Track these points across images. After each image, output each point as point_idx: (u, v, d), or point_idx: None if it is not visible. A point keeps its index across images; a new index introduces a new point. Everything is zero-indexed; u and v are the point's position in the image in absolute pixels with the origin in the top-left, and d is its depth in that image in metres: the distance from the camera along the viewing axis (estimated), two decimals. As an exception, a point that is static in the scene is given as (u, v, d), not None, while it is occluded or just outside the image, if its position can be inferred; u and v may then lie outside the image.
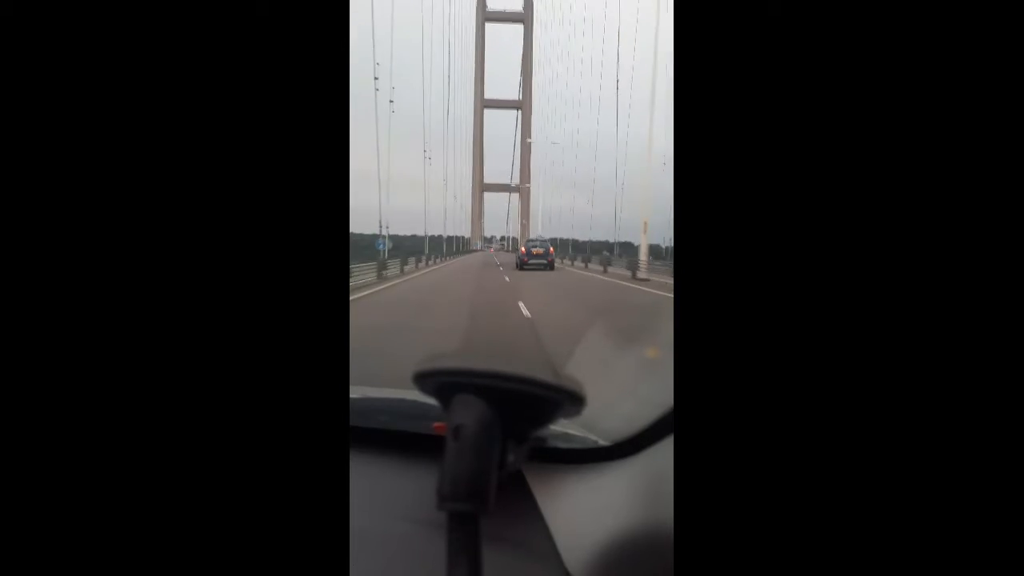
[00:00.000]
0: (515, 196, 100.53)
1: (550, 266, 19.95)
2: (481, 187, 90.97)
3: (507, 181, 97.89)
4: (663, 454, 0.48)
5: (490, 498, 0.37)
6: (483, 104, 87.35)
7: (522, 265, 19.70)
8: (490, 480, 0.37)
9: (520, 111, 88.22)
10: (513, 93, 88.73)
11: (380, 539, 0.55)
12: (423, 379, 0.41)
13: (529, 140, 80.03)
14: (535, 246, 20.44)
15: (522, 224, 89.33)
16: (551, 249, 20.52)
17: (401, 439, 0.69)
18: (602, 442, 0.59)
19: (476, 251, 75.33)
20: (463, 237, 74.61)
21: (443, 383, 0.40)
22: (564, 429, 0.63)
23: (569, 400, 0.40)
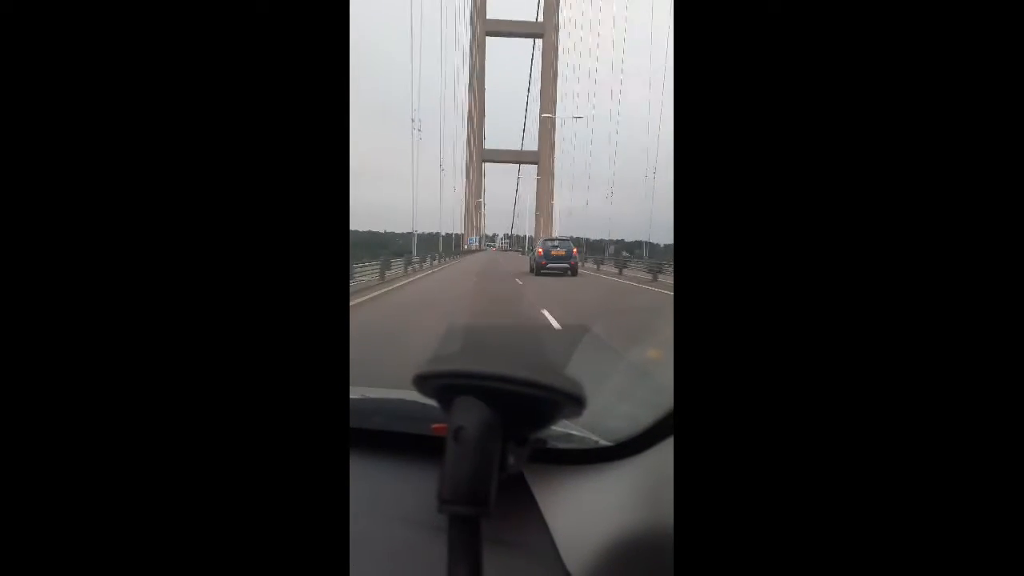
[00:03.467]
0: (527, 175, 70.81)
1: (573, 271, 15.45)
2: (479, 155, 61.94)
3: (516, 146, 69.72)
4: (665, 455, 0.48)
5: (491, 501, 0.37)
6: (484, 27, 58.07)
7: (539, 269, 15.28)
8: (491, 483, 0.37)
9: (540, 40, 59.35)
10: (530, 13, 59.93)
11: (380, 542, 0.56)
12: (424, 381, 0.40)
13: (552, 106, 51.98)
14: (555, 246, 15.93)
15: (540, 210, 58.75)
16: (575, 251, 15.91)
17: (400, 440, 0.68)
18: (604, 442, 0.59)
19: (473, 251, 48.17)
20: (455, 235, 47.60)
21: (444, 385, 0.40)
22: (565, 430, 0.62)
23: (570, 401, 0.40)
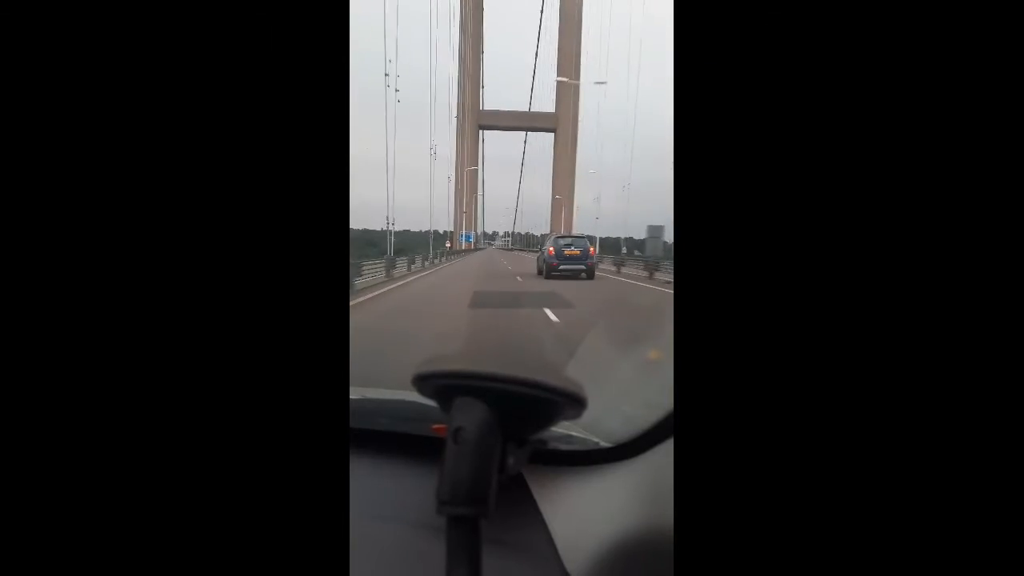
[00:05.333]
0: (538, 147, 54.54)
1: (589, 273, 13.00)
2: (476, 117, 45.45)
3: (524, 107, 53.71)
4: (665, 456, 0.48)
5: (490, 502, 0.37)
6: (482, -65, 42.02)
7: (549, 271, 12.92)
8: (490, 484, 0.37)
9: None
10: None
11: (379, 542, 0.56)
12: (423, 381, 0.40)
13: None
14: (568, 244, 13.39)
15: (558, 191, 42.41)
16: (591, 250, 13.38)
17: (400, 441, 0.68)
18: (603, 443, 0.59)
19: (463, 250, 32.05)
20: (440, 232, 32.47)
21: (443, 385, 0.40)
22: (565, 431, 0.62)
23: (570, 402, 0.40)
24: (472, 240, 46.84)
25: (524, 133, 53.41)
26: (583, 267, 12.90)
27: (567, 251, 13.07)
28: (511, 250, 53.54)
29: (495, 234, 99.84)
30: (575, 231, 34.48)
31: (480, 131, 46.69)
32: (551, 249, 13.30)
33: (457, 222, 42.95)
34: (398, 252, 16.93)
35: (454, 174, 40.06)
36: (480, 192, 51.99)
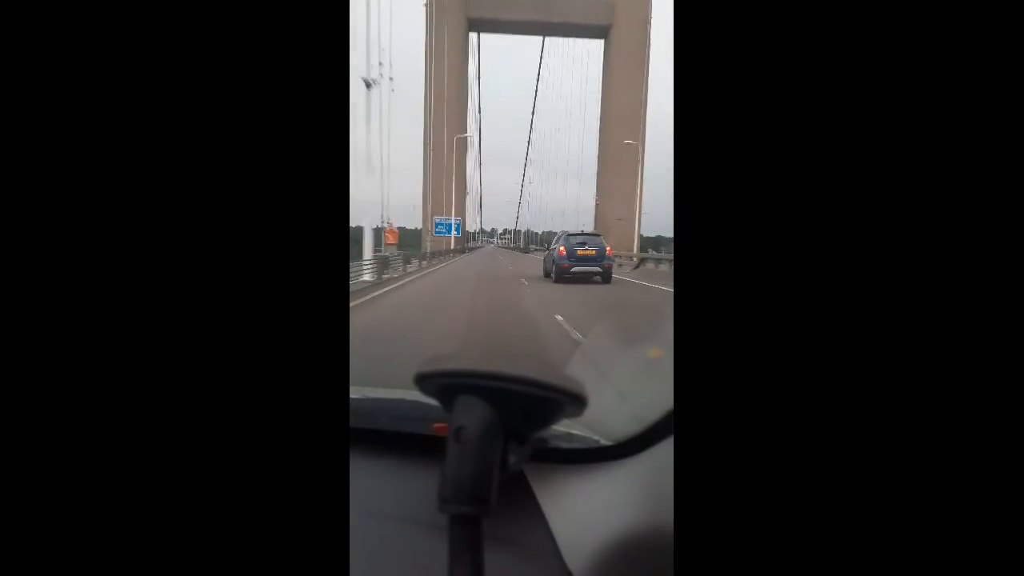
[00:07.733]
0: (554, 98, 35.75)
1: (605, 276, 11.61)
2: (462, 6, 25.07)
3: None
4: (666, 454, 0.48)
5: (492, 500, 0.37)
6: None
7: (560, 274, 11.44)
8: (492, 482, 0.37)
9: None
10: None
11: (381, 541, 0.56)
12: (424, 380, 0.41)
13: None
14: (582, 243, 11.72)
15: (605, 141, 20.54)
16: (608, 249, 11.87)
17: (402, 440, 0.69)
18: (604, 442, 0.59)
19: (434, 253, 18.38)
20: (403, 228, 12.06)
21: (445, 385, 0.40)
22: (566, 429, 0.63)
23: (571, 401, 0.40)
24: (456, 232, 26.66)
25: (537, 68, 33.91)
26: (598, 269, 11.46)
27: (580, 251, 11.48)
28: (527, 251, 40.65)
29: (493, 231, 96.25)
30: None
31: (471, 36, 26.67)
32: (562, 248, 11.59)
33: (429, 212, 23.08)
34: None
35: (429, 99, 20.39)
36: (476, 146, 32.39)
